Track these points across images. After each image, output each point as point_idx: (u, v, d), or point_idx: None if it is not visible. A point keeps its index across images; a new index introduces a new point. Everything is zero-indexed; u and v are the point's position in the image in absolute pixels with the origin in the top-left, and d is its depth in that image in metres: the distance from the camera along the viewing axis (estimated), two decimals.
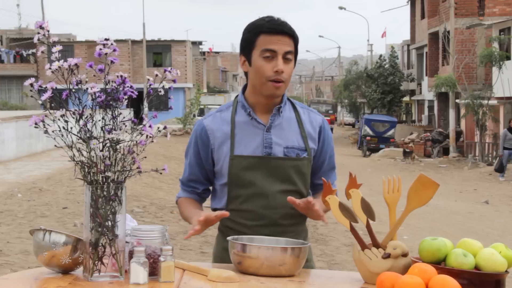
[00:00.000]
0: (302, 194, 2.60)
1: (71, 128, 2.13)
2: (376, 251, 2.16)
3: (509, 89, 25.21)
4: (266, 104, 2.59)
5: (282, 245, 2.26)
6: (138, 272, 2.05)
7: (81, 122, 2.12)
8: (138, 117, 2.24)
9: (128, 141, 2.17)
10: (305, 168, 2.60)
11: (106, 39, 2.14)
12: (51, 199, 11.23)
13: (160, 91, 2.19)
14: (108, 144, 2.13)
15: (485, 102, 25.74)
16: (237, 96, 2.68)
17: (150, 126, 2.18)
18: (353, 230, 2.21)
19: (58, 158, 18.06)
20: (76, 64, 2.12)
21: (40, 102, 2.15)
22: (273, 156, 2.56)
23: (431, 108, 40.10)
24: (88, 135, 2.12)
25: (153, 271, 2.13)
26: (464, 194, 16.80)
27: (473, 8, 31.82)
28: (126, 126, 2.16)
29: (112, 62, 2.13)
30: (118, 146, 2.15)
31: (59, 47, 2.12)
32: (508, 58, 25.20)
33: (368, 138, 32.94)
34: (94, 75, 2.12)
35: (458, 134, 30.02)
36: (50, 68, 2.10)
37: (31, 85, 2.17)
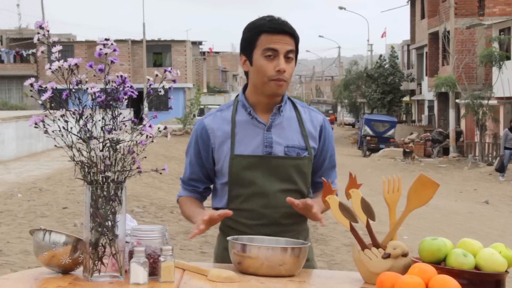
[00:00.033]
0: (302, 193, 2.61)
1: (71, 128, 2.13)
2: (376, 251, 2.16)
3: (509, 89, 25.20)
4: (267, 103, 2.59)
5: (282, 245, 2.26)
6: (138, 272, 2.05)
7: (81, 122, 2.12)
8: (138, 117, 2.25)
9: (128, 141, 2.17)
10: (305, 167, 2.60)
11: (106, 39, 2.14)
12: (51, 199, 11.23)
13: (160, 91, 2.19)
14: (108, 144, 2.13)
15: (485, 102, 25.74)
16: (237, 95, 2.69)
17: (150, 126, 2.18)
18: (353, 230, 2.21)
19: (58, 158, 18.06)
20: (76, 64, 2.12)
21: (40, 102, 2.15)
22: (273, 155, 2.56)
23: (431, 108, 40.11)
24: (88, 135, 2.12)
25: (153, 271, 2.13)
26: (464, 194, 16.80)
27: (473, 8, 31.82)
28: (126, 126, 2.16)
29: (112, 62, 2.13)
30: (118, 146, 2.15)
31: (59, 47, 2.12)
32: (508, 58, 25.19)
33: (368, 138, 32.94)
34: (94, 75, 2.12)
35: (458, 134, 30.03)
36: (50, 68, 2.10)
37: (31, 85, 2.17)
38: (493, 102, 26.28)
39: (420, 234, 9.93)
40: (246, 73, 2.62)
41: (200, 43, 61.11)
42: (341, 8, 56.34)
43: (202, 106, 40.18)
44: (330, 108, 59.38)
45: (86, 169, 2.13)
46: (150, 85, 2.22)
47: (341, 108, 61.96)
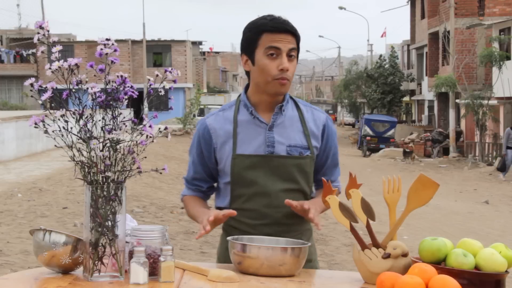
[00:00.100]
0: (305, 193, 2.61)
1: (71, 128, 2.13)
2: (376, 251, 2.16)
3: (509, 89, 25.20)
4: (269, 102, 2.59)
5: (282, 245, 2.27)
6: (138, 272, 2.05)
7: (81, 122, 2.12)
8: (138, 117, 2.25)
9: (128, 141, 2.17)
10: (307, 167, 2.60)
11: (107, 39, 2.14)
12: (51, 199, 11.23)
13: (160, 91, 2.19)
14: (108, 144, 2.13)
15: (485, 102, 25.74)
16: (239, 95, 2.69)
17: (150, 126, 2.18)
18: (353, 230, 2.21)
19: (58, 158, 18.06)
20: (76, 64, 2.12)
21: (40, 102, 2.15)
22: (275, 155, 2.56)
23: (431, 108, 40.11)
24: (88, 135, 2.12)
25: (153, 271, 2.13)
26: (464, 194, 16.80)
27: (473, 8, 31.82)
28: (126, 126, 2.16)
29: (112, 62, 2.13)
30: (118, 146, 2.15)
31: (59, 47, 2.12)
32: (508, 58, 25.19)
33: (368, 138, 32.94)
34: (94, 75, 2.12)
35: (458, 134, 30.03)
36: (50, 68, 2.10)
37: (31, 85, 2.17)
38: (493, 102, 26.28)
39: (420, 234, 9.93)
40: (248, 73, 2.62)
41: (200, 43, 61.11)
42: (341, 8, 56.34)
43: (202, 106, 40.19)
44: (330, 108, 59.44)
45: (86, 169, 2.13)
46: (150, 85, 2.22)
47: (341, 108, 61.96)
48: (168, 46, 47.57)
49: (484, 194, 16.72)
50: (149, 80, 2.22)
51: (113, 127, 2.13)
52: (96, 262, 2.11)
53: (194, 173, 2.69)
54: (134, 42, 46.18)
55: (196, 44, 58.59)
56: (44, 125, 2.11)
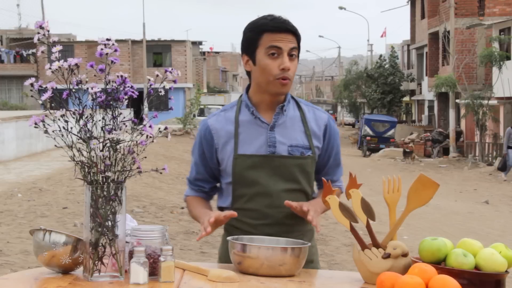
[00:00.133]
0: (306, 193, 2.61)
1: (71, 128, 2.13)
2: (376, 251, 2.16)
3: (509, 89, 25.20)
4: (270, 102, 2.60)
5: (282, 245, 2.27)
6: (138, 272, 2.06)
7: (81, 122, 2.12)
8: (139, 117, 2.25)
9: (128, 141, 2.17)
10: (309, 167, 2.60)
11: (107, 39, 2.14)
12: (51, 199, 11.23)
13: (160, 91, 2.19)
14: (108, 144, 2.13)
15: (485, 102, 25.74)
16: (241, 95, 2.69)
17: (150, 126, 2.18)
18: (353, 230, 2.21)
19: (58, 158, 18.06)
20: (76, 64, 2.12)
21: (40, 102, 2.15)
22: (276, 155, 2.56)
23: (431, 108, 40.10)
24: (88, 135, 2.12)
25: (153, 271, 2.13)
26: (464, 194, 16.80)
27: (473, 8, 31.82)
28: (126, 126, 2.16)
29: (112, 62, 2.13)
30: (118, 146, 2.15)
31: (59, 47, 2.12)
32: (508, 58, 25.19)
33: (368, 138, 32.95)
34: (94, 75, 2.12)
35: (458, 134, 30.03)
36: (50, 68, 2.10)
37: (31, 85, 2.17)
38: (493, 102, 26.28)
39: (420, 234, 9.93)
40: (249, 73, 2.62)
41: (200, 43, 61.10)
42: (341, 8, 56.34)
43: (202, 106, 40.17)
44: (330, 108, 59.42)
45: (86, 169, 2.13)
46: (150, 85, 2.22)
47: (341, 108, 61.94)
48: (168, 46, 47.56)
49: (484, 194, 16.72)
50: (149, 80, 2.22)
51: (113, 127, 2.13)
52: (96, 262, 2.11)
53: (197, 174, 2.69)
54: (134, 42, 46.18)
55: (196, 44, 58.58)
56: (44, 125, 2.11)
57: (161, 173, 2.26)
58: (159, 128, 2.33)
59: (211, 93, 60.74)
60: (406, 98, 45.05)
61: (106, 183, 2.13)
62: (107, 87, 2.13)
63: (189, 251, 8.11)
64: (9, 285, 2.10)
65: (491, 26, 28.25)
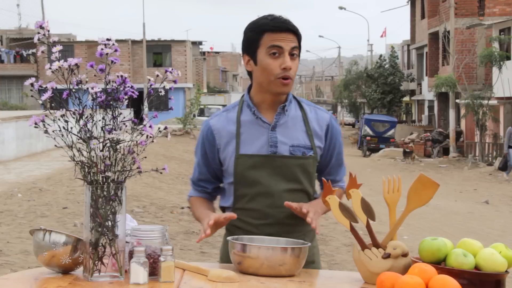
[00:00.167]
0: (307, 193, 2.61)
1: (71, 128, 2.13)
2: (376, 251, 2.16)
3: (509, 89, 25.21)
4: (272, 102, 2.60)
5: (282, 245, 2.27)
6: (138, 272, 2.06)
7: (81, 122, 2.12)
8: (139, 117, 2.25)
9: (128, 141, 2.17)
10: (310, 167, 2.60)
11: (107, 39, 2.14)
12: (51, 199, 11.23)
13: (160, 92, 2.19)
14: (108, 144, 2.13)
15: (485, 102, 25.75)
16: (243, 95, 2.69)
17: (150, 126, 2.18)
18: (353, 230, 2.21)
19: (58, 158, 18.06)
20: (76, 64, 2.12)
21: (40, 102, 2.15)
22: (278, 155, 2.56)
23: (431, 108, 40.11)
24: (88, 135, 2.12)
25: (153, 271, 2.13)
26: (464, 194, 16.80)
27: (473, 8, 31.82)
28: (126, 126, 2.16)
29: (112, 62, 2.13)
30: (118, 146, 2.15)
31: (59, 47, 2.12)
32: (508, 58, 25.20)
33: (368, 138, 32.95)
34: (94, 75, 2.12)
35: (458, 134, 30.03)
36: (50, 68, 2.10)
37: (31, 85, 2.17)
38: (493, 102, 26.28)
39: (420, 234, 9.93)
40: (250, 73, 2.62)
41: (200, 43, 61.10)
42: (341, 8, 56.33)
43: (202, 106, 40.16)
44: (330, 108, 59.40)
45: (86, 169, 2.13)
46: (150, 85, 2.22)
47: (341, 108, 61.91)
48: (168, 46, 47.56)
49: (484, 194, 16.72)
50: (149, 80, 2.22)
51: (113, 127, 2.13)
52: (96, 262, 2.11)
53: (199, 174, 2.70)
54: (134, 42, 46.17)
55: (196, 44, 58.58)
56: (44, 125, 2.11)
57: (161, 173, 2.26)
58: (159, 128, 2.33)
59: (211, 93, 60.73)
60: (406, 98, 45.06)
61: (106, 183, 2.13)
62: (107, 87, 2.13)
63: (189, 251, 8.12)
64: (9, 285, 2.10)
65: (491, 26, 28.26)
